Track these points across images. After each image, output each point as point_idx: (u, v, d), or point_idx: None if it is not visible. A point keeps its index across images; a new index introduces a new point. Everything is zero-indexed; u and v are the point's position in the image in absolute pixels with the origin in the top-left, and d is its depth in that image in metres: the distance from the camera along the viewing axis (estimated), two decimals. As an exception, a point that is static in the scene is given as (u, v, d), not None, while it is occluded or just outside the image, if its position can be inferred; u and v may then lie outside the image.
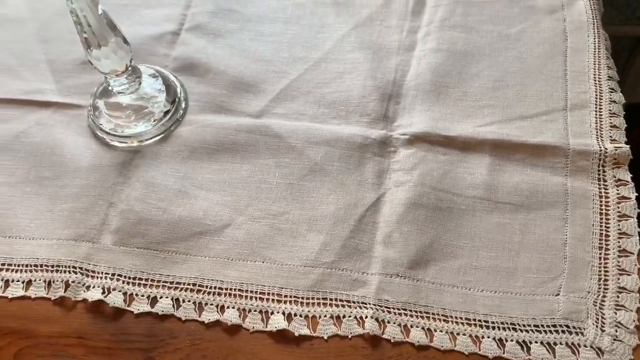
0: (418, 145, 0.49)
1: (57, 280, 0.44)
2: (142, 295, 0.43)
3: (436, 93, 0.52)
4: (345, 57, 0.56)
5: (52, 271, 0.45)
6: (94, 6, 0.43)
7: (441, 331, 0.41)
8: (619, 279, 0.42)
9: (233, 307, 0.42)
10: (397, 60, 0.55)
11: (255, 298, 0.43)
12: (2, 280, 0.45)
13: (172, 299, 0.43)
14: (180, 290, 0.43)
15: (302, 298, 0.43)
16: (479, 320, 0.41)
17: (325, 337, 0.41)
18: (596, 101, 0.50)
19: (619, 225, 0.44)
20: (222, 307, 0.43)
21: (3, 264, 0.46)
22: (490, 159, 0.48)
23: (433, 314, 0.41)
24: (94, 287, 0.44)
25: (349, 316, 0.41)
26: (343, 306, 0.42)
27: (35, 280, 0.44)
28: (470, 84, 0.53)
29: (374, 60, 0.55)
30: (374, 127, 0.51)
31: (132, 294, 0.43)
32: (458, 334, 0.41)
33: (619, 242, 0.43)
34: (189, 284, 0.44)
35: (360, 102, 0.52)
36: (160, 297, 0.43)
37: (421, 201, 0.46)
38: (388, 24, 0.58)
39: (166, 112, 0.52)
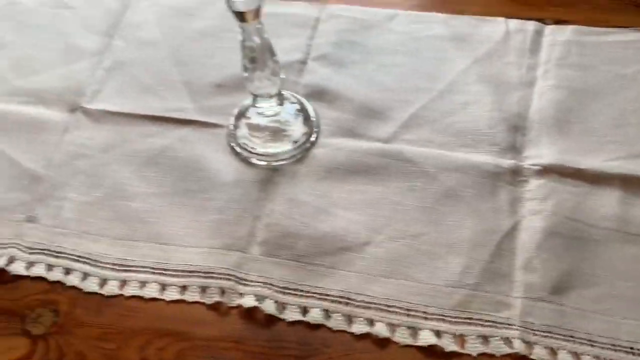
0: (548, 177, 0.51)
1: (212, 286, 0.47)
2: (293, 305, 0.46)
3: (559, 127, 0.55)
4: (468, 89, 0.58)
5: (206, 277, 0.47)
6: (260, 33, 0.47)
7: (588, 355, 0.42)
8: None
9: (381, 322, 0.44)
10: (519, 94, 0.58)
11: (402, 314, 0.45)
12: (159, 283, 0.48)
13: (322, 309, 0.45)
14: (329, 302, 0.46)
15: (449, 317, 0.44)
16: (624, 347, 0.42)
17: (475, 354, 0.43)
18: None
19: None
20: (371, 320, 0.45)
21: (160, 269, 0.48)
22: (620, 193, 0.50)
23: (579, 338, 0.43)
24: (247, 294, 0.46)
25: (496, 336, 0.43)
26: (489, 326, 0.44)
27: (190, 286, 0.47)
28: (592, 120, 0.55)
29: (497, 94, 0.58)
30: (504, 156, 0.53)
31: (283, 302, 0.46)
32: (604, 359, 0.42)
33: None
34: (337, 297, 0.46)
35: (489, 132, 0.55)
36: (311, 307, 0.46)
37: (557, 230, 0.48)
38: (507, 60, 0.60)
39: (302, 135, 0.55)
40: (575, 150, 0.53)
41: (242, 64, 0.49)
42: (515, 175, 0.52)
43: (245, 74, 0.50)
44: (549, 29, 0.63)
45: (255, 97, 0.53)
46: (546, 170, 0.52)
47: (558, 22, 0.64)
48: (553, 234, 0.48)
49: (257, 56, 0.48)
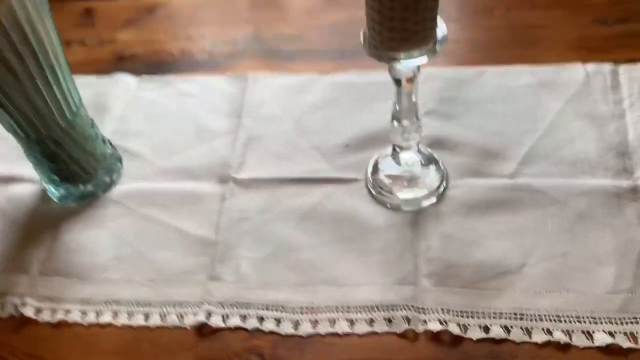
0: (665, 189, 0.59)
1: (397, 317, 0.53)
2: (474, 325, 0.52)
3: (659, 149, 0.63)
4: (568, 126, 0.67)
5: (388, 310, 0.53)
6: (410, 96, 0.56)
7: None
8: None
9: (558, 330, 0.50)
10: (614, 126, 0.66)
11: (574, 321, 0.51)
12: (348, 320, 0.54)
13: (500, 326, 0.51)
14: (505, 319, 0.52)
15: (616, 318, 0.50)
16: None
17: (650, 348, 0.48)
18: None
19: None
20: (548, 329, 0.51)
21: (344, 307, 0.55)
22: None
23: None
24: (430, 320, 0.52)
25: (663, 331, 0.49)
26: (654, 322, 0.50)
27: (376, 319, 0.53)
28: (686, 140, 0.63)
29: (595, 127, 0.66)
30: (620, 178, 0.61)
31: (464, 324, 0.52)
32: None
33: None
34: (511, 314, 0.52)
35: (600, 160, 0.62)
36: (490, 325, 0.51)
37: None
38: (594, 98, 0.69)
39: (435, 179, 0.63)
40: (680, 167, 0.61)
41: (392, 121, 0.58)
42: (635, 192, 0.59)
43: (395, 129, 0.58)
44: (623, 68, 0.72)
45: (398, 149, 0.61)
46: (661, 185, 0.59)
47: (629, 61, 0.73)
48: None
49: (406, 115, 0.57)
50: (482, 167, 0.64)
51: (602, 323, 0.50)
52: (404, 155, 0.62)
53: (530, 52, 0.78)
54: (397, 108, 0.57)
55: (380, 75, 0.70)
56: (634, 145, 0.64)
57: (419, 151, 0.64)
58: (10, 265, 0.63)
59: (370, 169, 0.65)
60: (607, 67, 0.72)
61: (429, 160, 0.65)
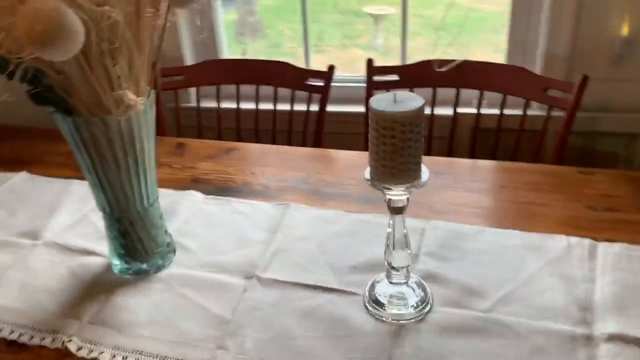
0: (614, 342, 0.67)
1: (361, 401, 0.62)
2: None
3: (620, 310, 0.72)
4: (544, 281, 0.78)
5: (356, 395, 0.63)
6: (403, 224, 0.71)
7: None
8: None
9: None
10: (584, 286, 0.77)
11: None
12: (320, 396, 0.63)
13: None
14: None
15: None
16: None
17: None
18: None
19: None
20: None
21: (321, 386, 0.65)
22: (675, 357, 0.65)
23: None
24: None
25: None
26: None
27: (344, 400, 0.63)
28: (645, 307, 0.73)
29: (566, 285, 0.77)
30: (578, 327, 0.70)
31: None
32: None
33: None
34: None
35: (564, 310, 0.73)
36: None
37: (629, 379, 0.62)
38: (571, 263, 0.81)
39: (421, 302, 0.75)
40: (635, 326, 0.69)
41: (386, 244, 0.73)
42: (589, 340, 0.68)
43: (389, 251, 0.73)
44: (602, 245, 0.84)
45: (391, 269, 0.74)
46: (612, 338, 0.68)
47: (608, 240, 0.85)
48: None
49: (398, 241, 0.72)
50: (463, 300, 0.76)
51: None
52: (396, 277, 0.75)
53: (525, 223, 0.92)
54: (391, 234, 0.72)
55: (383, 218, 0.86)
56: (598, 304, 0.74)
57: (410, 277, 0.77)
58: (68, 312, 0.79)
59: (368, 286, 0.79)
60: (587, 241, 0.85)
61: (418, 286, 0.77)
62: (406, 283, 0.76)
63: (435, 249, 0.86)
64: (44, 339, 0.75)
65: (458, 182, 1.06)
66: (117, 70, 0.69)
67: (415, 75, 1.31)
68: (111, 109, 0.70)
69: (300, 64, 1.29)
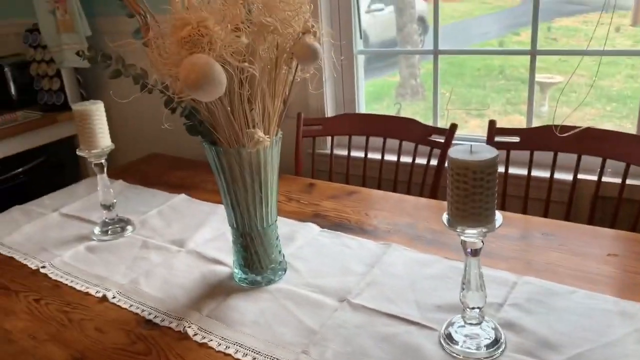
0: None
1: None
2: None
3: None
4: (628, 346, 0.77)
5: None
6: (479, 267, 0.77)
7: None
8: None
9: None
10: (672, 359, 0.74)
11: None
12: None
13: None
14: None
15: None
16: None
17: None
18: None
19: None
20: None
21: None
22: None
23: None
24: None
25: None
26: None
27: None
28: None
29: (652, 354, 0.75)
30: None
31: None
32: None
33: None
34: None
35: (641, 376, 0.72)
36: None
37: None
38: (664, 334, 0.79)
39: (492, 345, 0.79)
40: None
41: (462, 282, 0.79)
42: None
43: (463, 293, 0.79)
44: None
45: (466, 309, 0.80)
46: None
47: None
48: None
49: (472, 282, 0.78)
50: (537, 351, 0.78)
51: None
52: (471, 314, 0.80)
53: (626, 291, 0.91)
54: (466, 275, 0.78)
55: (483, 269, 0.91)
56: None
57: (486, 320, 0.82)
58: (193, 305, 0.96)
59: (445, 323, 0.85)
60: (689, 317, 0.82)
61: (494, 330, 0.81)
62: (480, 324, 0.81)
63: (522, 301, 0.89)
64: (171, 322, 0.92)
65: (564, 244, 1.06)
66: (253, 113, 0.87)
67: (536, 138, 1.34)
68: (245, 143, 0.88)
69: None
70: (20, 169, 2.12)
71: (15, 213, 1.40)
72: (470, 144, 0.71)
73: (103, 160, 1.21)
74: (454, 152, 0.71)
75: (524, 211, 1.37)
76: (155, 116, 0.84)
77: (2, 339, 0.91)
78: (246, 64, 0.78)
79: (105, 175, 1.23)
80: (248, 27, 0.79)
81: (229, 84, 0.79)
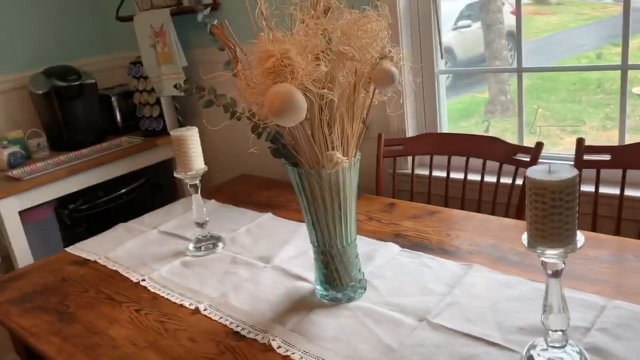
0: None
1: None
2: None
3: None
4: None
5: None
6: (561, 289, 0.75)
7: None
8: None
9: None
10: None
11: None
12: None
13: None
14: None
15: None
16: None
17: None
18: None
19: None
20: None
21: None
22: None
23: None
24: None
25: None
26: None
27: None
28: None
29: None
30: None
31: None
32: None
33: None
34: None
35: None
36: None
37: None
38: None
39: (577, 371, 0.77)
40: None
41: (543, 304, 0.78)
42: None
43: (545, 315, 0.77)
44: None
45: (548, 331, 0.78)
46: None
47: None
48: None
49: (554, 305, 0.76)
50: (626, 380, 0.75)
51: None
52: (554, 337, 0.79)
53: None
54: (547, 297, 0.77)
55: (568, 291, 0.88)
56: None
57: (570, 344, 0.79)
58: (277, 319, 1.01)
59: (527, 346, 0.83)
60: None
61: (579, 355, 0.79)
62: (564, 348, 0.79)
63: (610, 326, 0.86)
64: (257, 334, 0.98)
65: (659, 267, 1.01)
66: (332, 137, 0.92)
67: (628, 156, 1.27)
68: (325, 164, 0.93)
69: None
70: (124, 190, 2.31)
71: (119, 230, 1.53)
72: (549, 164, 0.71)
73: (197, 182, 1.30)
74: (532, 172, 0.71)
75: (617, 232, 1.30)
76: (245, 140, 0.90)
77: (108, 345, 1.01)
78: (325, 90, 0.82)
79: (199, 195, 1.32)
80: (327, 55, 0.84)
81: (309, 110, 0.84)
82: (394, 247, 1.21)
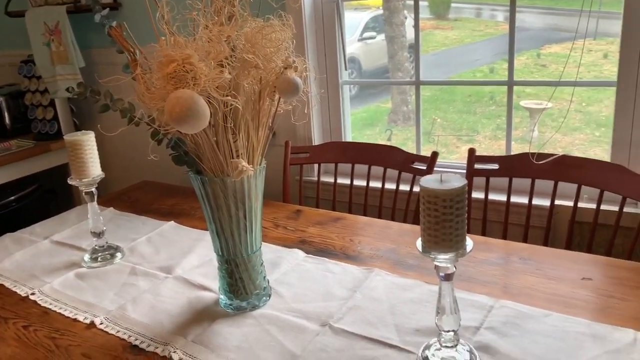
0: None
1: None
2: None
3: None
4: (597, 368, 0.80)
5: None
6: (452, 291, 0.80)
7: None
8: None
9: None
10: (639, 379, 0.77)
11: None
12: None
13: None
14: None
15: None
16: None
17: None
18: None
19: None
20: None
21: None
22: None
23: None
24: None
25: None
26: None
27: None
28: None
29: (620, 375, 0.78)
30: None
31: None
32: None
33: None
34: None
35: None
36: None
37: None
38: (632, 357, 0.82)
39: (467, 368, 0.82)
40: None
41: (437, 309, 0.82)
42: None
43: (438, 316, 0.82)
44: (672, 344, 0.83)
45: (441, 332, 0.83)
46: None
47: (680, 340, 0.84)
48: None
49: (448, 305, 0.81)
50: (510, 374, 0.81)
51: None
52: (446, 337, 0.83)
53: (599, 314, 0.94)
54: (440, 299, 0.81)
55: (459, 292, 0.94)
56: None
57: (462, 343, 0.84)
58: (178, 331, 0.98)
59: (423, 347, 0.87)
60: (655, 340, 0.85)
61: (469, 353, 0.84)
62: (455, 347, 0.83)
63: (497, 325, 0.92)
64: (157, 347, 0.94)
65: (540, 269, 1.10)
66: (237, 144, 0.91)
67: (515, 165, 1.38)
68: (229, 172, 0.92)
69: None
70: (12, 197, 2.15)
71: (7, 240, 1.42)
72: (441, 173, 0.75)
73: (93, 189, 1.24)
74: (425, 181, 0.75)
75: (504, 236, 1.40)
76: (145, 146, 0.87)
77: (-10, 366, 0.93)
78: (229, 97, 0.82)
79: (95, 203, 1.26)
80: (232, 63, 0.83)
81: (213, 117, 0.83)
82: (299, 254, 1.23)
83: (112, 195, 1.76)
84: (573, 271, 1.08)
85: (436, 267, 0.79)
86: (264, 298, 1.05)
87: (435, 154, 1.45)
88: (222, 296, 1.05)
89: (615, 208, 1.27)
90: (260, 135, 0.95)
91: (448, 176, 0.75)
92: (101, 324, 1.02)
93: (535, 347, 0.86)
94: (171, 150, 0.89)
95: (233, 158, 0.91)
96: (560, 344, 0.86)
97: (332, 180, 1.64)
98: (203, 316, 1.02)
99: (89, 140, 1.19)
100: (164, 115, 0.79)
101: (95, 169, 1.21)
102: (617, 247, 1.30)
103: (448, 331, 0.83)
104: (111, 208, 1.59)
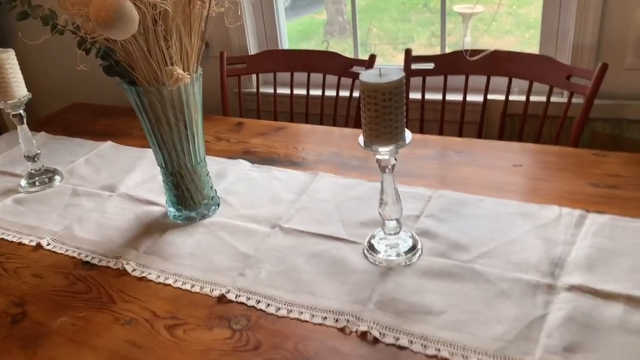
0: (574, 291, 0.76)
1: (341, 319, 0.76)
2: (389, 335, 0.73)
3: (588, 268, 0.80)
4: (526, 242, 0.88)
5: (339, 314, 0.77)
6: (393, 181, 0.84)
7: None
8: None
9: (445, 351, 0.70)
10: (562, 248, 0.85)
11: (459, 348, 0.70)
12: (311, 314, 0.78)
13: (407, 340, 0.72)
14: (411, 336, 0.72)
15: (491, 356, 0.68)
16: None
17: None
18: None
19: None
20: (439, 349, 0.70)
21: (310, 306, 0.79)
22: (623, 305, 0.73)
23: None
24: (361, 325, 0.75)
25: (521, 368, 0.66)
26: (517, 362, 0.67)
27: (328, 317, 0.77)
28: (614, 268, 0.80)
29: (546, 246, 0.86)
30: (544, 278, 0.79)
31: (383, 333, 0.73)
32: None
33: None
34: (418, 334, 0.72)
35: (536, 265, 0.82)
36: (399, 338, 0.72)
37: (577, 319, 0.71)
38: (557, 229, 0.90)
39: (410, 251, 0.87)
40: (596, 281, 0.78)
41: (379, 198, 0.86)
42: (550, 289, 0.78)
43: (381, 206, 0.86)
44: (591, 215, 0.92)
45: (384, 221, 0.87)
46: (572, 288, 0.77)
47: (598, 212, 0.93)
48: (571, 320, 0.71)
49: (388, 196, 0.85)
50: (448, 253, 0.87)
51: (479, 354, 0.69)
52: (389, 225, 0.88)
53: (528, 196, 1.01)
54: (383, 191, 0.85)
55: (400, 187, 0.98)
56: (569, 262, 0.82)
57: (404, 230, 0.90)
58: (129, 244, 0.99)
59: (368, 237, 0.92)
60: (578, 212, 0.93)
61: (411, 238, 0.90)
62: (398, 234, 0.89)
63: (436, 212, 0.98)
64: (109, 261, 0.95)
65: (474, 160, 1.16)
66: (170, 51, 0.88)
67: (449, 63, 1.41)
68: (165, 81, 0.89)
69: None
70: None
71: None
72: (379, 68, 0.76)
73: (21, 111, 1.18)
74: (364, 76, 0.76)
75: (441, 133, 1.45)
76: (74, 63, 0.83)
77: (-63, 294, 0.91)
78: (158, -1, 0.78)
79: (25, 126, 1.20)
80: (156, -38, 0.79)
81: (142, 21, 0.80)
82: (244, 164, 1.23)
83: (41, 119, 1.68)
84: (505, 159, 1.15)
85: (378, 160, 0.82)
86: (213, 207, 1.06)
87: (372, 57, 1.45)
88: (170, 208, 1.05)
89: (543, 99, 1.34)
90: (193, 41, 0.92)
91: (386, 70, 0.76)
92: (48, 245, 1.01)
93: (471, 228, 0.93)
94: (101, 61, 0.85)
95: (167, 66, 0.88)
96: (493, 224, 0.93)
97: (271, 90, 1.63)
98: (153, 229, 1.03)
99: (9, 59, 1.12)
100: (89, 23, 0.75)
101: (20, 89, 1.15)
102: (544, 135, 1.38)
103: (391, 220, 0.87)
104: (43, 132, 1.52)
